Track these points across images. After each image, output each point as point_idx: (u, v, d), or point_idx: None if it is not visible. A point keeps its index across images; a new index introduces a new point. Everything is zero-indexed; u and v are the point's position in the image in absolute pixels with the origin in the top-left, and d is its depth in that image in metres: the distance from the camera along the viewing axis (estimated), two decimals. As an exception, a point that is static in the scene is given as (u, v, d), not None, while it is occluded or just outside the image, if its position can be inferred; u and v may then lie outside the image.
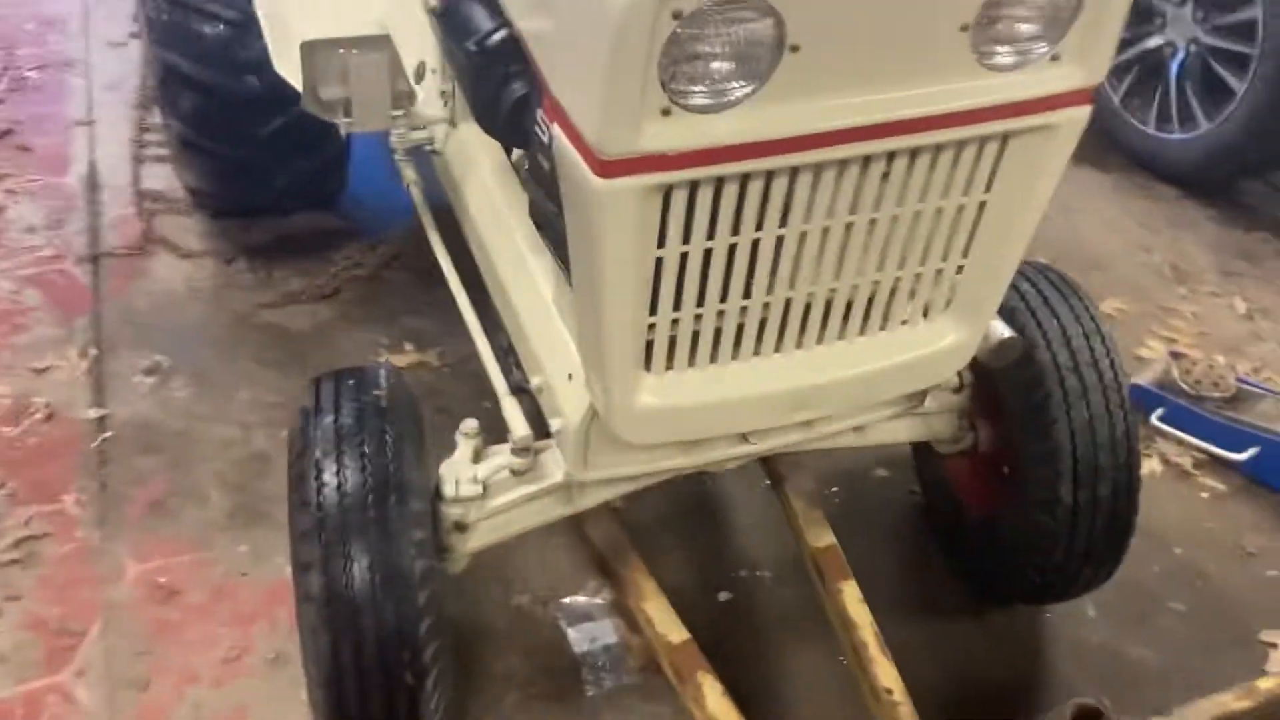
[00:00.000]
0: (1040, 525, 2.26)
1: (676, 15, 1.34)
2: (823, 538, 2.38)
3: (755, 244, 1.65)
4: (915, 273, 1.83)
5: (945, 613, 2.65)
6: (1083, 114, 1.67)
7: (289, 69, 2.85)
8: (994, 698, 2.50)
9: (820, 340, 1.86)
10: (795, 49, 1.43)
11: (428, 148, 2.65)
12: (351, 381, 2.04)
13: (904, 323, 1.91)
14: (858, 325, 1.87)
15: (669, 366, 1.78)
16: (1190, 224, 4.08)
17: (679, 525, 2.78)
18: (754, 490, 2.80)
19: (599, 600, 2.58)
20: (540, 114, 1.79)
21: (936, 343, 1.94)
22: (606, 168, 1.45)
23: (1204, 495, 2.95)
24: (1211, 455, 2.99)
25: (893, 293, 1.85)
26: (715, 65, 1.43)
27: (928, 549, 2.76)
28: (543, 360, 2.09)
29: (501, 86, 1.94)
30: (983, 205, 1.77)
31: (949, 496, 2.64)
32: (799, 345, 1.85)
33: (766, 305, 1.76)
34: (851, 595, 2.28)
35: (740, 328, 1.77)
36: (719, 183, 1.54)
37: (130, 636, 2.43)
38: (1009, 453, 2.41)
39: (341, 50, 2.28)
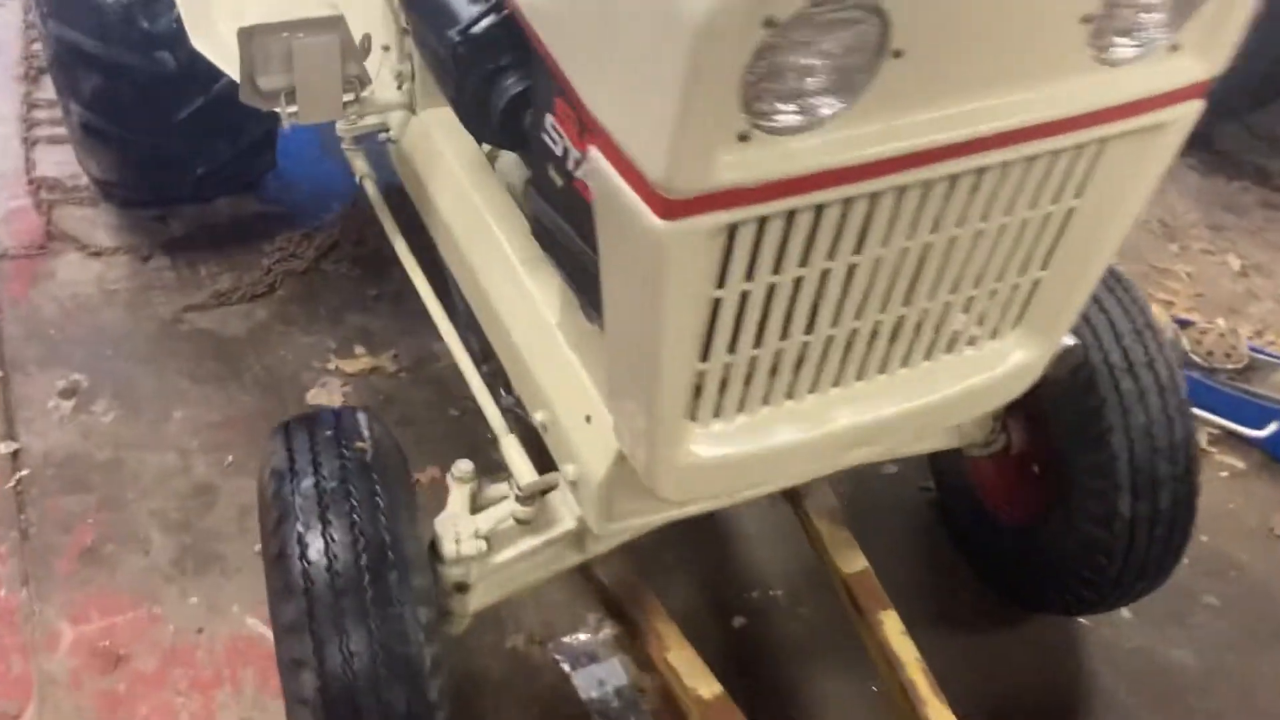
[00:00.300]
0: (1093, 539, 2.07)
1: (769, 23, 1.06)
2: (854, 562, 2.17)
3: (824, 274, 1.40)
4: (990, 290, 1.59)
5: (970, 619, 2.47)
6: (1195, 109, 1.44)
7: (208, 44, 2.50)
8: (1030, 711, 2.33)
9: (883, 370, 1.62)
10: (898, 54, 1.17)
11: (382, 136, 2.33)
12: (329, 432, 1.75)
13: (971, 343, 1.68)
14: (923, 350, 1.63)
15: (717, 414, 1.53)
16: (1171, 174, 3.90)
17: (679, 540, 2.52)
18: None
19: (603, 636, 2.34)
20: (550, 119, 1.51)
21: (1005, 363, 1.71)
22: (672, 208, 1.17)
23: (1223, 474, 2.80)
24: (1228, 431, 2.84)
25: (963, 312, 1.61)
26: (807, 79, 1.15)
27: (945, 550, 2.57)
28: (549, 395, 1.81)
29: (491, 83, 1.66)
30: (1070, 212, 1.53)
31: (971, 499, 2.45)
32: (859, 377, 1.61)
33: (828, 339, 1.51)
34: (893, 627, 2.07)
35: (798, 365, 1.52)
36: (791, 212, 1.28)
37: (72, 715, 2.12)
38: (1042, 454, 2.22)
39: (284, 34, 1.93)
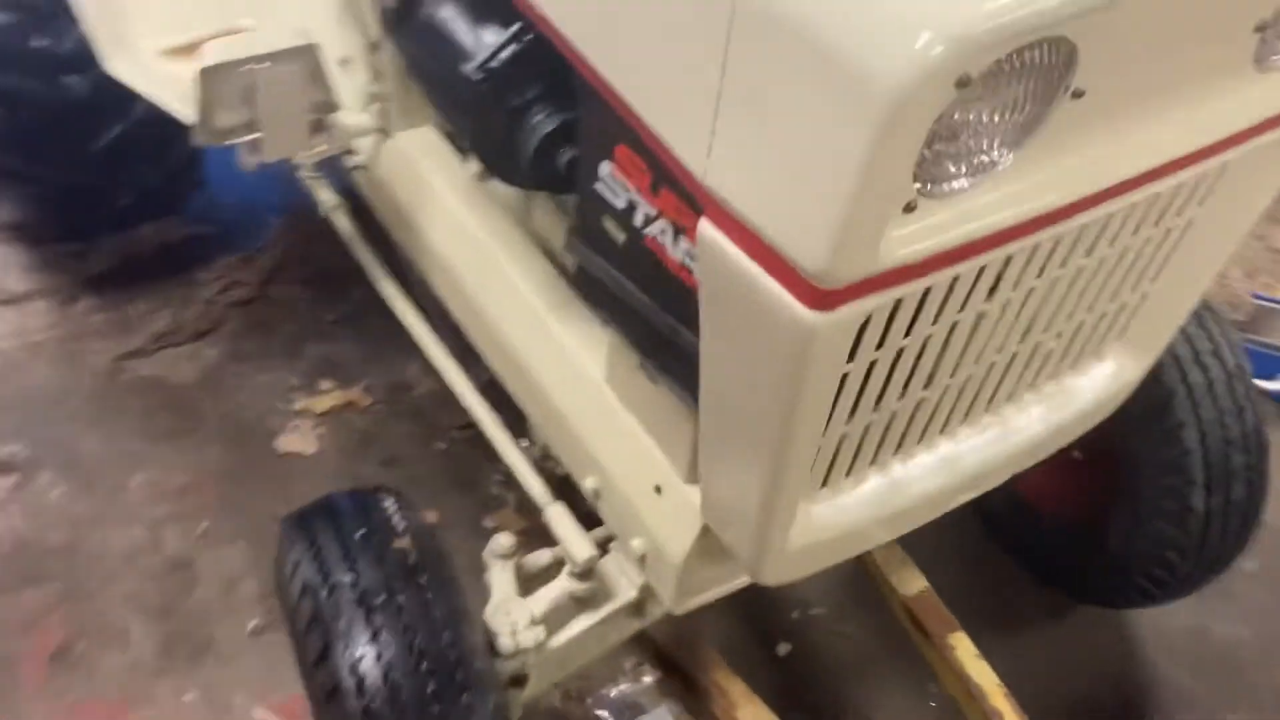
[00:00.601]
0: (1164, 537, 1.97)
1: (962, 82, 0.86)
2: (912, 583, 2.03)
3: (951, 326, 1.23)
4: (1101, 313, 1.44)
5: (1018, 619, 2.36)
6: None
7: (126, 67, 2.20)
8: (1100, 712, 2.24)
9: (988, 409, 1.46)
10: (1078, 94, 0.99)
11: (351, 162, 2.06)
12: (360, 531, 1.53)
13: (1074, 367, 1.53)
14: (1028, 384, 1.48)
15: (824, 484, 1.36)
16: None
17: (704, 564, 2.37)
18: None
19: (644, 684, 2.17)
20: (608, 167, 1.30)
21: (1104, 382, 1.57)
22: (826, 298, 0.98)
23: (1240, 430, 2.73)
24: (1239, 384, 2.76)
25: (1071, 339, 1.46)
26: (983, 135, 0.97)
27: (979, 541, 2.45)
28: (604, 462, 1.61)
29: (519, 120, 1.44)
30: (1189, 221, 1.38)
31: (1007, 491, 2.32)
32: (965, 420, 1.45)
33: (945, 388, 1.34)
34: (966, 651, 1.95)
35: (910, 419, 1.36)
36: (933, 272, 1.10)
37: None
38: (1091, 445, 2.09)
39: (247, 67, 1.67)
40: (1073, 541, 2.18)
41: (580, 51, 1.21)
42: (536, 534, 2.35)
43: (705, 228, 1.07)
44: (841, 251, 0.94)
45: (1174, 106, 1.11)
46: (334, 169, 2.22)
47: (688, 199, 1.17)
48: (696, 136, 1.04)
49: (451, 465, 2.52)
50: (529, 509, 2.41)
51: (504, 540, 1.69)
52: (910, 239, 0.98)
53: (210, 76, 1.63)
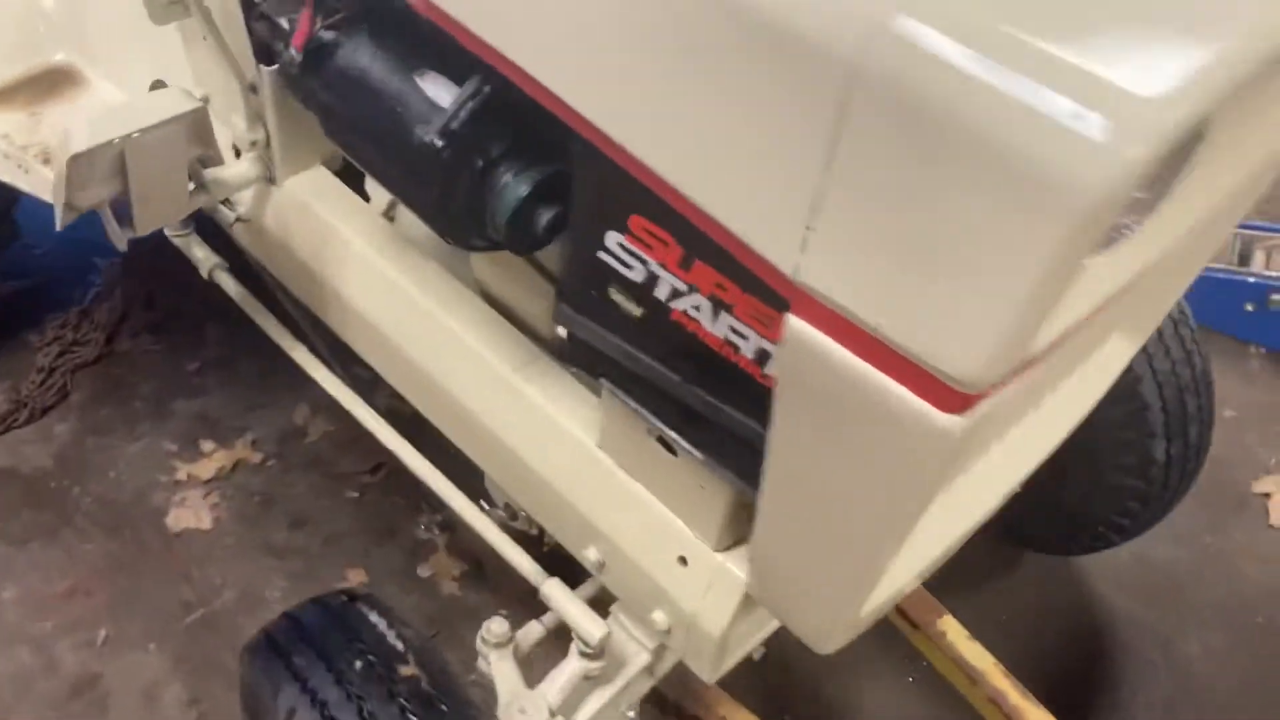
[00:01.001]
0: (1127, 488, 1.98)
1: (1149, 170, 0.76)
2: (892, 573, 1.98)
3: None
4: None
5: (970, 570, 2.31)
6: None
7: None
8: (1068, 656, 2.27)
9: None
10: (1201, 136, 0.90)
11: (230, 216, 1.80)
12: (356, 660, 1.35)
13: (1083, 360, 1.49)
14: (1053, 387, 1.42)
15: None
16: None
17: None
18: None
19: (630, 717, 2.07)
20: (617, 238, 1.15)
21: (1107, 367, 1.54)
22: (969, 400, 0.87)
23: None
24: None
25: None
26: (1132, 210, 0.88)
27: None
28: (608, 531, 1.47)
29: (486, 182, 1.27)
30: (1201, 210, 1.34)
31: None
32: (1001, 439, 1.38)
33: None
34: (958, 634, 1.94)
35: (959, 460, 1.28)
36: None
37: None
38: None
39: (117, 140, 1.40)
40: (1029, 498, 2.17)
41: (592, 122, 1.04)
42: (476, 577, 2.22)
43: (796, 325, 0.93)
44: (999, 357, 0.83)
45: (1256, 114, 1.04)
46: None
47: (733, 273, 1.04)
48: (784, 229, 0.90)
49: (368, 515, 2.32)
50: (462, 550, 2.26)
51: (496, 627, 1.54)
52: (1056, 318, 0.88)
53: (79, 162, 1.36)
